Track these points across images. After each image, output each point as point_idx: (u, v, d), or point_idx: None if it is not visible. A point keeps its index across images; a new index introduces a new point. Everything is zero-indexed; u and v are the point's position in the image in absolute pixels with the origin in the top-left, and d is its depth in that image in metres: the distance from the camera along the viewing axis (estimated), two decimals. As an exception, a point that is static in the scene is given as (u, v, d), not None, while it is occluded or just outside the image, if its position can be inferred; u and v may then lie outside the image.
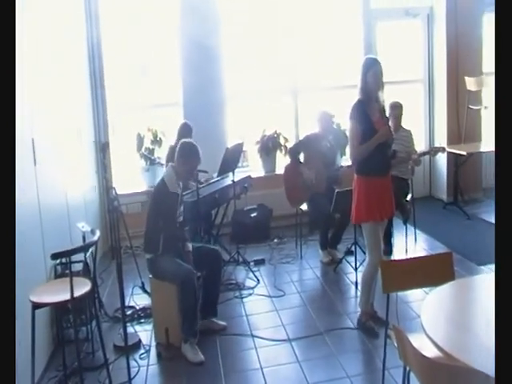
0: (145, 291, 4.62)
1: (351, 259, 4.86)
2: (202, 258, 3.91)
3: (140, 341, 3.90)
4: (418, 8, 6.92)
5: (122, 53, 6.21)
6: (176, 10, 6.08)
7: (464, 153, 6.24)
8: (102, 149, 3.71)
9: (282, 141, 6.50)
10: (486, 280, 2.88)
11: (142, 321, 4.23)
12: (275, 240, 5.88)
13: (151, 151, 6.22)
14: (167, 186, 3.72)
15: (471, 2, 6.65)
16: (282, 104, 6.77)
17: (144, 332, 4.04)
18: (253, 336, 3.88)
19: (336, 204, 4.75)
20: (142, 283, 4.68)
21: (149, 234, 3.83)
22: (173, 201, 3.74)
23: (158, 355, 3.72)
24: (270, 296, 4.56)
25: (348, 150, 6.22)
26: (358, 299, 3.99)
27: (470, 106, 6.70)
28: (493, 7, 6.68)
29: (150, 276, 3.90)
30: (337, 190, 4.79)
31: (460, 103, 6.77)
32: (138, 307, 4.40)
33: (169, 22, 6.15)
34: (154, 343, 3.85)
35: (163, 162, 5.39)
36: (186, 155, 3.77)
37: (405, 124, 5.40)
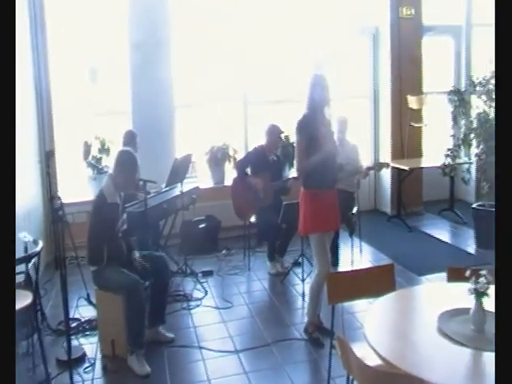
0: (90, 303, 4.53)
1: (298, 271, 4.96)
2: (149, 265, 3.87)
3: (85, 354, 3.81)
4: (365, 27, 7.18)
5: (69, 60, 6.10)
6: (125, 18, 6.03)
7: (406, 168, 6.49)
8: (46, 157, 3.63)
9: (231, 152, 6.55)
10: (424, 290, 3.04)
11: (88, 333, 4.14)
12: (223, 251, 5.90)
13: (98, 160, 6.12)
14: (105, 196, 3.68)
15: (412, 26, 6.98)
16: (232, 115, 6.83)
17: (89, 345, 3.96)
18: (200, 347, 3.88)
19: (284, 215, 4.83)
20: (88, 294, 4.58)
21: (92, 246, 3.76)
22: (112, 211, 3.70)
23: (104, 368, 3.65)
24: (217, 307, 4.57)
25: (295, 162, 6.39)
26: (305, 309, 4.06)
27: (412, 124, 6.98)
28: (430, 32, 7.07)
29: (96, 287, 3.83)
30: (284, 203, 4.88)
31: (403, 120, 7.04)
32: (83, 319, 4.31)
33: (118, 29, 6.08)
34: (99, 356, 3.78)
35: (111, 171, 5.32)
36: (121, 165, 3.74)
37: (351, 138, 5.57)
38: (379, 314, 2.53)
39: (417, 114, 7.02)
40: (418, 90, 7.02)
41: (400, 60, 6.97)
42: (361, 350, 2.43)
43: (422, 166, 6.85)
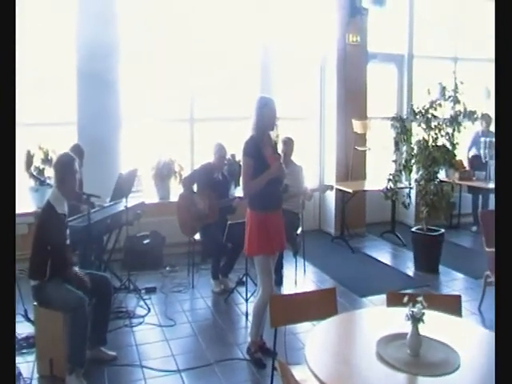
0: (27, 319, 4.39)
1: (242, 290, 4.98)
2: (91, 285, 3.79)
3: (20, 374, 3.66)
4: (315, 51, 7.37)
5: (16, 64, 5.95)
6: (73, 28, 5.95)
7: (350, 190, 6.68)
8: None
9: (176, 168, 6.55)
10: (365, 314, 3.13)
11: (24, 351, 3.99)
12: (167, 268, 5.86)
13: (41, 171, 5.96)
14: (54, 207, 3.61)
15: (358, 52, 7.24)
16: (179, 131, 6.83)
17: (25, 364, 3.82)
18: (142, 366, 3.83)
19: (228, 235, 4.87)
20: (25, 310, 4.44)
21: (35, 260, 3.65)
22: (62, 223, 3.64)
23: (40, 389, 3.56)
24: (160, 325, 4.53)
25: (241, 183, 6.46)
26: (249, 329, 4.09)
27: (356, 147, 7.20)
28: (375, 59, 7.36)
29: (35, 303, 3.72)
30: (229, 222, 4.92)
31: (348, 144, 7.25)
32: (19, 336, 4.17)
33: (66, 39, 6.00)
34: (36, 375, 3.66)
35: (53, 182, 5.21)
36: (61, 168, 3.69)
37: (297, 159, 5.69)
38: (321, 337, 2.59)
39: (361, 138, 7.25)
40: (362, 115, 7.26)
41: (346, 84, 7.21)
42: (302, 373, 2.50)
43: (365, 188, 7.07)
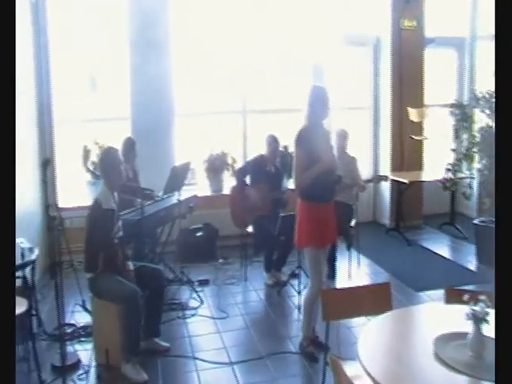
0: (85, 309, 4.51)
1: (295, 282, 4.93)
2: (145, 277, 3.86)
3: (79, 361, 3.80)
4: (366, 37, 7.17)
5: (70, 63, 6.11)
6: (125, 25, 6.04)
7: (406, 181, 6.47)
8: (43, 165, 3.62)
9: (229, 161, 6.54)
10: (421, 311, 3.00)
11: (83, 339, 4.12)
12: (220, 260, 5.88)
13: (97, 165, 6.11)
14: (101, 203, 3.67)
15: (414, 37, 6.97)
16: (231, 124, 6.82)
17: (84, 351, 3.94)
18: (194, 358, 3.86)
19: (281, 227, 4.82)
20: (83, 301, 4.56)
21: (88, 254, 3.75)
22: (108, 218, 3.69)
23: (98, 377, 3.63)
24: (213, 317, 4.55)
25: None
26: (300, 323, 4.04)
27: (412, 136, 6.97)
28: (432, 44, 7.08)
29: (91, 295, 3.81)
30: (281, 214, 4.86)
31: (403, 133, 7.03)
32: (78, 325, 4.30)
33: (118, 36, 6.10)
34: (94, 363, 3.76)
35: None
36: (105, 165, 3.76)
37: (350, 150, 5.56)
38: (374, 333, 2.50)
39: (417, 127, 7.00)
40: (419, 103, 7.00)
41: (401, 71, 6.97)
42: (354, 369, 2.42)
43: (422, 179, 6.84)
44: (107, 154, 3.83)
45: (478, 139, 5.61)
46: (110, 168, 3.74)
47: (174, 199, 5.05)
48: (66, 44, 6.01)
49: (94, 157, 6.13)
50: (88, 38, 6.01)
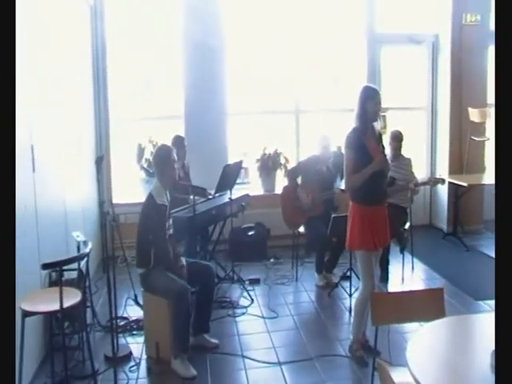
0: (137, 303, 4.62)
1: (346, 284, 4.86)
2: (195, 273, 3.91)
3: (131, 353, 3.89)
4: (423, 35, 6.98)
5: (126, 64, 6.29)
6: (180, 23, 6.16)
7: (465, 184, 6.24)
8: (97, 162, 3.74)
9: (282, 160, 6.52)
10: (478, 319, 2.88)
11: (135, 333, 4.22)
12: (271, 260, 5.88)
13: (151, 163, 6.24)
14: (154, 198, 3.73)
15: (476, 34, 6.71)
16: (284, 123, 6.81)
17: (136, 344, 4.04)
18: (243, 356, 3.87)
19: (332, 228, 4.76)
20: (135, 295, 4.69)
21: (140, 249, 3.83)
22: (161, 213, 3.75)
23: (148, 369, 3.71)
24: (263, 317, 4.55)
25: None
26: (351, 326, 3.97)
27: (473, 137, 6.72)
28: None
29: (142, 289, 3.89)
30: (333, 215, 4.80)
31: (463, 134, 6.80)
32: (130, 319, 4.41)
33: (173, 35, 6.23)
34: (144, 356, 3.84)
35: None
36: (158, 161, 3.83)
37: (406, 151, 5.43)
38: (426, 340, 2.41)
39: (479, 127, 6.75)
40: (481, 102, 6.75)
41: (462, 70, 6.74)
42: (403, 376, 2.34)
43: (483, 182, 6.58)
44: (161, 151, 3.89)
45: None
46: (163, 165, 3.79)
47: (226, 198, 5.09)
48: (122, 45, 6.20)
49: (148, 155, 6.26)
50: (143, 39, 6.18)
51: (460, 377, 2.13)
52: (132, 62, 6.33)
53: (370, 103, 3.56)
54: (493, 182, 6.23)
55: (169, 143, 5.51)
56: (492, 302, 4.63)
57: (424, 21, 6.89)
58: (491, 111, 6.70)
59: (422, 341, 2.40)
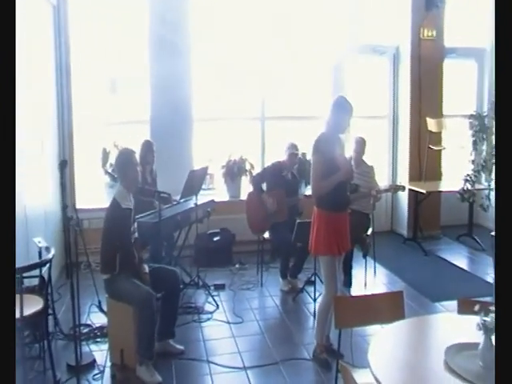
0: (101, 310, 4.57)
1: (311, 289, 4.94)
2: (161, 279, 3.90)
3: (94, 361, 3.85)
4: (385, 47, 7.18)
5: (90, 66, 6.22)
6: (147, 28, 6.14)
7: (424, 191, 6.45)
8: (60, 166, 3.69)
9: (247, 166, 6.58)
10: (433, 320, 2.99)
11: (98, 340, 4.18)
12: (237, 265, 5.91)
13: (114, 166, 6.19)
14: (119, 202, 3.71)
15: (433, 48, 6.96)
16: (250, 130, 6.87)
17: (100, 352, 4.00)
18: (209, 362, 3.89)
19: (297, 234, 4.83)
20: (99, 302, 4.62)
21: (104, 254, 3.78)
22: (126, 217, 3.73)
23: (113, 377, 3.68)
24: (228, 322, 4.58)
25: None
26: (314, 330, 4.04)
27: (431, 146, 6.94)
28: (452, 54, 7.07)
29: (107, 296, 3.86)
30: (298, 221, 4.88)
31: (422, 143, 7.01)
32: (94, 326, 4.36)
33: (139, 38, 6.20)
34: (109, 364, 3.81)
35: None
36: (121, 164, 3.80)
37: (368, 159, 5.56)
38: (386, 342, 2.50)
39: (436, 137, 6.98)
40: (437, 113, 6.98)
41: (420, 81, 6.96)
42: (365, 377, 2.43)
43: (440, 189, 6.81)
44: (123, 154, 3.87)
45: (496, 150, 5.58)
46: (125, 168, 3.77)
47: (192, 203, 5.10)
48: (86, 47, 6.12)
49: (113, 159, 6.20)
50: (108, 40, 6.13)
51: (417, 375, 2.23)
52: (97, 65, 6.25)
53: (343, 114, 3.66)
54: (450, 189, 6.48)
55: (137, 148, 5.51)
56: (447, 303, 4.82)
57: (386, 33, 7.09)
58: (447, 122, 6.95)
59: (382, 342, 2.48)
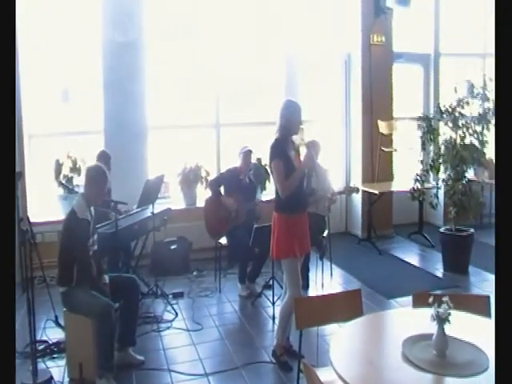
0: (58, 325, 4.47)
1: (269, 293, 4.97)
2: (119, 287, 3.87)
3: (51, 377, 3.74)
4: (338, 53, 7.33)
5: (41, 79, 6.07)
6: (98, 38, 6.05)
7: (376, 192, 6.62)
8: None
9: (203, 173, 6.58)
10: (390, 316, 3.09)
11: (55, 356, 4.07)
12: (194, 273, 5.89)
13: (70, 179, 6.07)
14: (76, 213, 3.67)
15: (382, 53, 7.17)
16: (205, 137, 6.87)
17: (57, 368, 3.90)
18: (170, 370, 3.86)
19: (255, 238, 4.86)
20: (56, 316, 4.52)
21: (62, 266, 3.73)
22: (84, 228, 3.69)
23: (71, 392, 3.61)
24: (187, 329, 4.56)
25: (269, 185, 6.45)
26: (275, 332, 4.08)
27: (383, 148, 7.13)
28: (400, 59, 7.30)
29: (64, 309, 3.78)
30: (255, 226, 4.92)
31: (374, 145, 7.19)
32: (50, 342, 4.25)
33: (92, 47, 6.10)
34: (67, 379, 3.72)
35: (82, 190, 5.29)
36: (92, 178, 3.79)
37: (323, 162, 5.66)
38: (346, 339, 2.57)
39: (387, 139, 7.17)
40: (388, 116, 7.18)
41: (371, 85, 7.14)
42: (328, 375, 2.47)
43: (392, 189, 7.00)
44: (99, 169, 3.85)
45: (442, 151, 5.79)
46: (95, 185, 3.77)
47: (148, 212, 5.05)
48: (37, 55, 5.96)
49: (67, 171, 6.08)
50: (60, 49, 5.99)
51: (377, 368, 2.30)
52: (48, 74, 6.11)
53: (291, 116, 3.71)
54: (401, 189, 6.67)
55: (91, 158, 5.43)
56: (401, 300, 4.98)
57: (338, 39, 7.24)
58: (397, 124, 7.15)
59: (342, 340, 2.55)
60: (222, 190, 5.52)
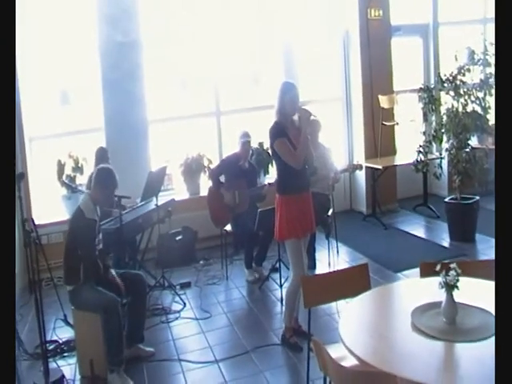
0: (67, 324, 4.44)
1: (276, 276, 4.93)
2: (126, 284, 3.82)
3: (63, 376, 3.72)
4: (336, 30, 7.19)
5: (41, 80, 6.01)
6: (95, 36, 5.97)
7: (380, 167, 6.53)
8: (17, 180, 3.56)
9: (205, 162, 6.51)
10: (398, 287, 3.04)
11: (66, 355, 4.06)
12: (201, 262, 5.84)
13: (72, 179, 6.03)
14: (83, 212, 3.64)
15: (380, 27, 7.03)
16: (206, 126, 6.79)
17: (68, 366, 3.89)
18: (180, 360, 3.84)
19: (259, 222, 4.81)
20: (65, 315, 4.50)
21: (68, 265, 3.71)
22: (90, 227, 3.65)
23: (83, 389, 3.58)
24: (196, 318, 4.53)
25: (273, 167, 6.37)
26: (283, 315, 4.04)
27: (384, 123, 7.03)
28: (399, 32, 7.16)
29: (73, 307, 3.76)
30: (259, 210, 4.86)
31: (375, 120, 7.08)
32: (60, 341, 4.24)
33: (88, 45, 6.02)
34: (78, 377, 3.71)
35: (85, 189, 5.25)
36: (102, 181, 3.74)
37: (325, 142, 5.58)
38: (354, 313, 2.53)
39: (388, 113, 7.06)
40: (388, 90, 7.06)
41: (370, 60, 7.02)
42: (337, 351, 2.42)
43: (395, 163, 6.90)
44: (107, 175, 3.77)
45: (444, 120, 5.69)
46: (104, 189, 3.73)
47: (152, 205, 5.01)
48: (35, 58, 5.90)
49: (69, 170, 6.03)
50: (57, 50, 5.92)
51: (386, 339, 2.26)
52: (46, 75, 6.03)
53: (287, 98, 3.67)
54: (404, 162, 6.57)
55: (91, 156, 5.37)
56: (408, 272, 4.93)
57: (335, 16, 7.10)
58: (398, 97, 7.04)
59: (351, 315, 2.52)
60: (222, 177, 5.45)
